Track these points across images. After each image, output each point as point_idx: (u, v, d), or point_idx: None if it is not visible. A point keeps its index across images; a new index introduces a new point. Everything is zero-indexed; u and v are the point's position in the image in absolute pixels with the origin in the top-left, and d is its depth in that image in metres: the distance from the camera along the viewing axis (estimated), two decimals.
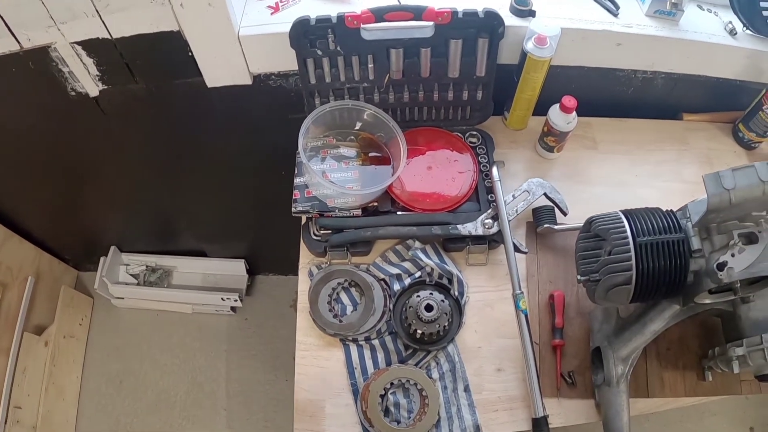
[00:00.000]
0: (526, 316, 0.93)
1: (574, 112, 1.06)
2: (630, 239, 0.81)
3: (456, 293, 0.98)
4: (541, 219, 1.04)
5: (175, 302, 1.85)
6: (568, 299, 1.01)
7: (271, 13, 1.04)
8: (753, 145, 1.21)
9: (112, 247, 1.79)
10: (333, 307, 0.98)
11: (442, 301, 0.94)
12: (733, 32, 1.10)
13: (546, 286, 1.03)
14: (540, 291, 1.02)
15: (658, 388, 0.97)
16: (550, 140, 1.12)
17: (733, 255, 0.79)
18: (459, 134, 1.13)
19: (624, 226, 0.82)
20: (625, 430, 0.88)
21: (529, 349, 0.92)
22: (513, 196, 1.04)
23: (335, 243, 0.99)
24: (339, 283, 0.99)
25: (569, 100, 1.05)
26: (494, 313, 1.00)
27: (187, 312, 1.87)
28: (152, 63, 1.07)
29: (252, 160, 1.38)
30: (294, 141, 1.02)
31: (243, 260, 1.85)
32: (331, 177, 1.02)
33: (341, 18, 0.94)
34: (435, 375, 0.94)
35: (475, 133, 1.14)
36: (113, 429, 1.75)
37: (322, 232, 1.01)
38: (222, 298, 1.76)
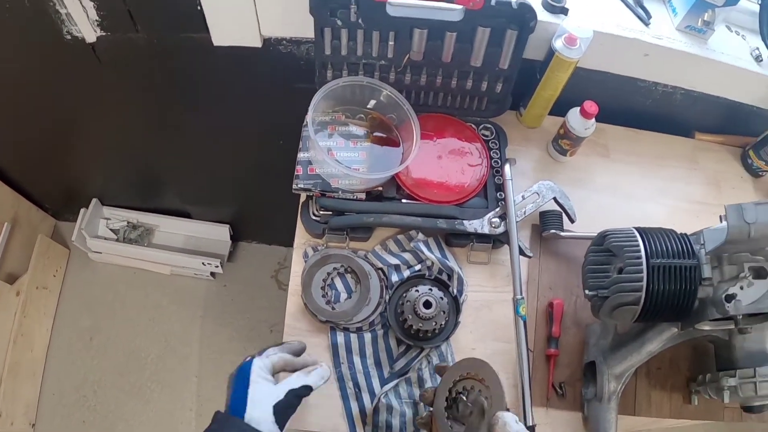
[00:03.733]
0: (524, 322, 0.91)
1: (594, 119, 1.03)
2: (644, 259, 0.79)
3: (455, 291, 0.95)
4: (547, 223, 1.01)
5: (154, 262, 1.78)
6: (566, 308, 0.99)
7: None
8: (761, 173, 1.20)
9: (94, 200, 1.71)
10: (326, 293, 0.94)
11: (441, 298, 0.91)
12: (759, 59, 1.07)
13: (545, 292, 1.00)
14: (539, 297, 1.00)
15: (644, 407, 0.97)
16: (565, 143, 1.08)
17: (741, 288, 0.78)
18: (472, 125, 1.08)
19: (639, 245, 0.80)
20: None
21: (524, 357, 0.90)
22: (522, 196, 1.00)
23: (335, 226, 0.94)
24: (335, 268, 0.95)
25: (590, 106, 1.01)
26: (491, 314, 0.97)
27: (165, 273, 1.82)
28: (157, 13, 1.00)
29: (250, 126, 1.32)
30: (296, 111, 0.96)
31: (228, 226, 1.79)
32: (338, 155, 0.97)
33: None
34: (426, 375, 0.91)
35: (489, 126, 1.09)
36: (80, 386, 1.70)
37: (321, 212, 0.96)
38: (203, 263, 1.71)
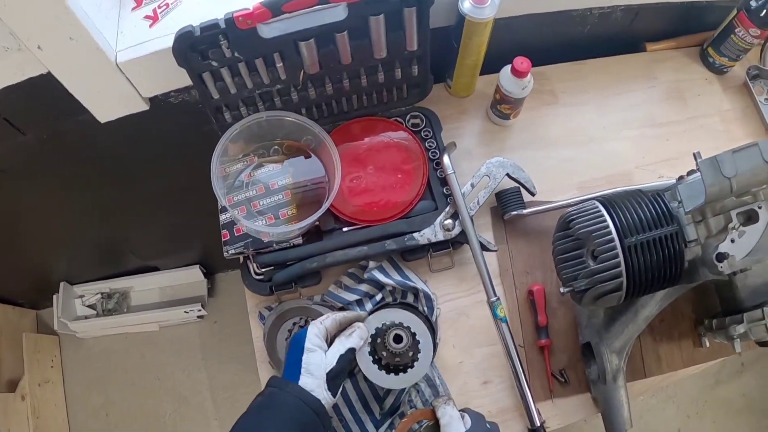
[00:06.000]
0: (506, 323, 0.85)
1: (529, 75, 0.91)
2: (617, 241, 0.70)
3: (424, 310, 0.87)
4: (506, 205, 0.92)
5: (140, 324, 1.74)
6: (549, 288, 0.91)
7: (150, 25, 0.84)
8: (725, 69, 1.09)
9: (62, 283, 1.66)
10: None
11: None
12: None
13: (522, 278, 0.93)
14: (517, 286, 0.92)
15: (655, 366, 0.91)
16: (505, 108, 0.97)
17: (732, 240, 0.70)
18: (399, 119, 0.98)
19: (608, 226, 0.71)
20: (627, 425, 0.82)
21: (515, 359, 0.84)
22: (472, 185, 0.91)
23: (280, 281, 0.87)
24: (294, 323, 0.88)
25: (521, 63, 0.90)
26: (470, 320, 0.90)
27: (154, 329, 1.77)
28: (34, 111, 0.92)
29: (179, 177, 1.22)
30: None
31: (198, 266, 1.73)
32: (261, 205, 0.88)
33: (230, 20, 0.75)
34: (419, 404, 0.85)
35: (416, 113, 0.98)
36: None
37: (263, 270, 0.88)
38: (185, 311, 1.66)
